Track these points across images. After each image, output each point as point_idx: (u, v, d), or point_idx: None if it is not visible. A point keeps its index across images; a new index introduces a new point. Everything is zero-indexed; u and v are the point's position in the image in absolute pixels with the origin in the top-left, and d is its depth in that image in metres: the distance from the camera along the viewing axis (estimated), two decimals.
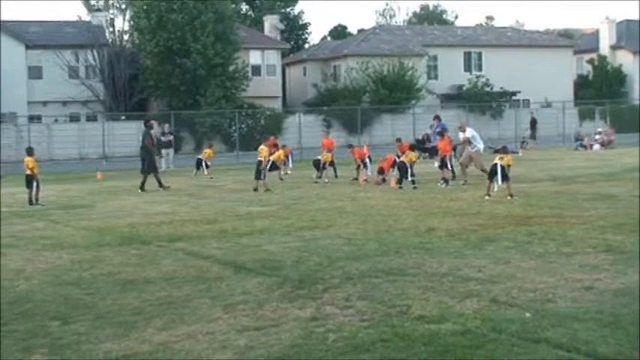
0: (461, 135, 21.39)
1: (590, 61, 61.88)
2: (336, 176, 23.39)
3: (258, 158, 20.81)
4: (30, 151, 19.07)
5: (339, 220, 13.45)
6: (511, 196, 15.88)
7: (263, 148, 21.21)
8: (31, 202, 18.11)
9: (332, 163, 23.49)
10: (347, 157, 24.96)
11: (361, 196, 18.06)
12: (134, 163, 29.66)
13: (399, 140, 22.93)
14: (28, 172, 18.40)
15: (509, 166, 16.52)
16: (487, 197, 16.05)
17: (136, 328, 6.70)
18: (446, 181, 20.05)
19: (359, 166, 23.18)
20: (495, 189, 16.35)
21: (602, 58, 61.24)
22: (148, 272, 9.22)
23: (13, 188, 21.55)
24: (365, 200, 16.97)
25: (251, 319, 6.88)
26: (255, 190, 20.09)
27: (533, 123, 43.00)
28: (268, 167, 21.93)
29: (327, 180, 22.33)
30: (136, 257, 10.36)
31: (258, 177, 20.36)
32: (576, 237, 10.69)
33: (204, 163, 27.47)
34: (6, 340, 6.47)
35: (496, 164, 16.37)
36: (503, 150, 17.55)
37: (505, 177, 16.31)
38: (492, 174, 16.40)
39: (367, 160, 23.27)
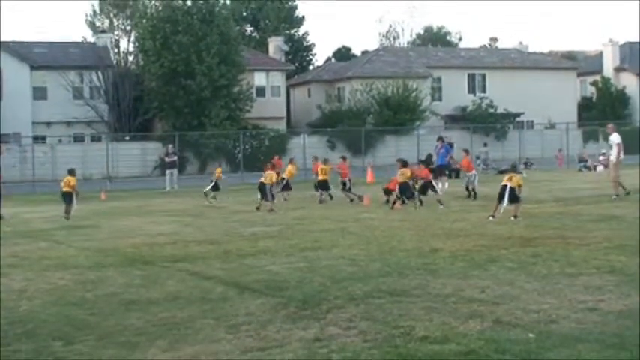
0: (613, 138, 20.89)
1: (594, 83, 62.01)
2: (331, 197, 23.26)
3: (262, 180, 20.92)
4: (72, 172, 21.15)
5: (343, 241, 13.44)
6: (515, 217, 15.86)
7: (271, 174, 21.42)
8: (67, 217, 19.68)
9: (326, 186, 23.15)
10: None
11: (365, 217, 18.06)
12: (138, 183, 29.88)
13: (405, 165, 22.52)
14: (67, 189, 20.28)
15: (519, 186, 16.38)
16: (491, 218, 16.00)
17: (139, 349, 6.69)
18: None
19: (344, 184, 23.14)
20: (501, 211, 16.26)
21: (606, 80, 61.35)
22: (151, 293, 9.21)
23: (17, 208, 21.59)
24: (368, 221, 16.96)
25: (254, 339, 6.87)
26: (257, 209, 20.23)
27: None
28: (282, 186, 22.60)
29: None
30: (139, 278, 10.36)
31: (264, 198, 20.50)
32: (580, 258, 10.67)
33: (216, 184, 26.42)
34: None
35: (505, 186, 16.23)
36: (513, 169, 17.40)
37: (514, 198, 16.15)
38: (500, 196, 16.22)
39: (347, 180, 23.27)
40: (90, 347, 6.79)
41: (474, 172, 22.95)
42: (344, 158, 25.66)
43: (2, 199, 20.59)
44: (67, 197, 20.29)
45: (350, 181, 23.54)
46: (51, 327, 7.61)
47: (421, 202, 19.96)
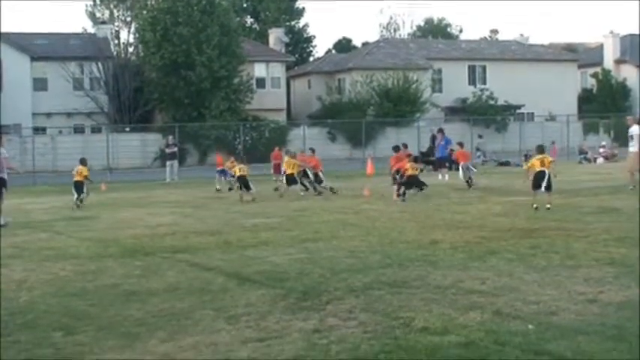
0: (633, 129, 20.99)
1: (595, 75, 61.94)
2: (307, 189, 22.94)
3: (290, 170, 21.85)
4: (83, 161, 22.19)
5: (343, 233, 13.44)
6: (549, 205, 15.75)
7: (292, 162, 22.04)
8: (78, 205, 20.46)
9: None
10: (347, 169, 24.94)
11: (365, 208, 18.06)
12: (138, 174, 29.87)
13: (398, 149, 23.45)
14: (79, 178, 21.17)
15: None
16: (537, 209, 15.86)
17: (139, 340, 6.70)
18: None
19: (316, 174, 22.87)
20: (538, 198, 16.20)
21: (606, 72, 61.28)
22: (151, 283, 9.22)
23: (17, 199, 21.59)
24: (369, 213, 16.96)
25: (254, 330, 6.88)
26: (281, 196, 21.66)
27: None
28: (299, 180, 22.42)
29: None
30: (139, 269, 10.36)
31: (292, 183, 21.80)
32: (580, 250, 10.67)
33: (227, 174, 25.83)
34: (9, 351, 6.47)
35: (543, 172, 16.03)
36: (540, 151, 16.91)
37: (550, 186, 16.08)
38: (537, 184, 16.09)
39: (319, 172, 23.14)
40: (90, 338, 6.80)
41: (468, 162, 24.04)
42: (312, 150, 25.73)
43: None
44: (79, 186, 21.03)
45: (322, 172, 23.24)
46: (51, 318, 7.61)
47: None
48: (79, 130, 48.74)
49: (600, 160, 37.97)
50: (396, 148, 23.80)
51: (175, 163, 34.50)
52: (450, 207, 17.53)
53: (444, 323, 6.85)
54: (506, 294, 7.99)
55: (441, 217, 15.56)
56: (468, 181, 22.83)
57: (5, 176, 16.68)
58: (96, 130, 48.59)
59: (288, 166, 22.30)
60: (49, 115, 48.24)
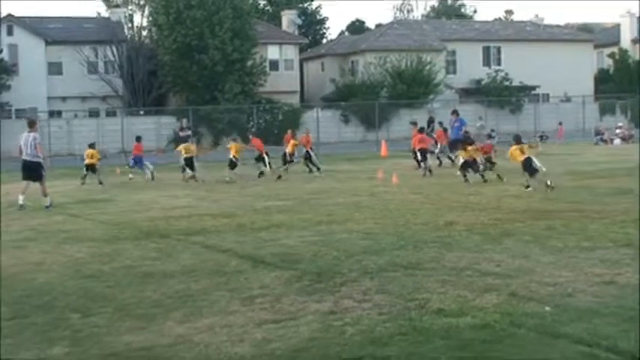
0: None
1: (611, 55, 61.33)
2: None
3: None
4: (92, 145, 24.22)
5: (357, 215, 13.42)
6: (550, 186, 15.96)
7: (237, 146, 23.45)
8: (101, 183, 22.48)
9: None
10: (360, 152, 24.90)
11: (379, 190, 18.03)
12: (153, 157, 29.83)
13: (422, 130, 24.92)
14: (90, 161, 23.14)
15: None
16: (530, 189, 16.17)
17: (155, 321, 6.72)
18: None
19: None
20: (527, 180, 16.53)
21: (623, 52, 60.66)
22: (166, 265, 9.26)
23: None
24: (383, 195, 16.93)
25: (269, 312, 6.89)
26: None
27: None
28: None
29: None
30: (154, 251, 10.40)
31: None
32: (596, 231, 10.60)
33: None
34: (26, 332, 6.52)
35: (529, 158, 16.50)
36: (517, 141, 17.44)
37: (533, 170, 16.41)
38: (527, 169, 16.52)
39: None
40: (106, 319, 6.83)
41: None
42: (254, 134, 27.52)
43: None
44: (91, 168, 23.01)
45: (267, 154, 24.03)
46: (68, 299, 7.66)
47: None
48: (93, 113, 48.88)
49: (617, 141, 37.69)
50: (421, 130, 25.00)
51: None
52: (465, 189, 17.46)
53: (459, 305, 6.82)
54: (521, 276, 7.95)
55: (456, 198, 15.51)
56: (448, 159, 24.93)
57: (41, 160, 16.97)
58: (111, 113, 48.70)
59: (234, 150, 23.33)
60: (64, 98, 48.44)
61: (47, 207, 16.36)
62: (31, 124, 17.32)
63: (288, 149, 24.47)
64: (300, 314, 6.75)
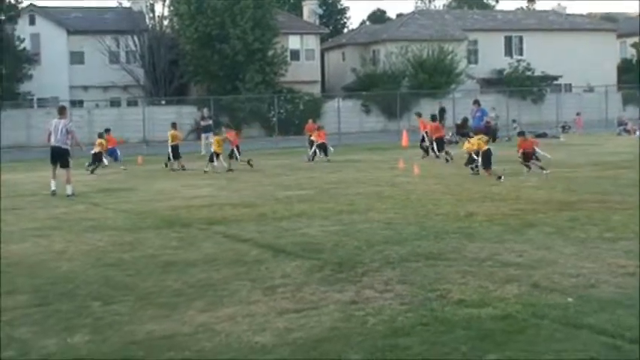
0: None
1: (635, 45, 60.63)
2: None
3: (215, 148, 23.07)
4: (101, 135, 25.54)
5: (378, 205, 13.40)
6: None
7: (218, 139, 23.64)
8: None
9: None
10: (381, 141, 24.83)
11: (400, 180, 17.98)
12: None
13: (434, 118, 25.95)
14: (98, 149, 24.14)
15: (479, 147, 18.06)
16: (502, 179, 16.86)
17: (177, 310, 6.76)
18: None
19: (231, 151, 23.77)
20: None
21: None
22: (188, 255, 9.30)
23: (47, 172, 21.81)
24: (404, 185, 16.89)
25: (290, 301, 6.90)
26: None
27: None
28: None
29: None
30: (176, 240, 10.45)
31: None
32: (619, 222, 10.51)
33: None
34: (50, 320, 6.58)
35: (488, 149, 17.96)
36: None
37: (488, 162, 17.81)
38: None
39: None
40: (128, 308, 6.88)
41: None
42: (229, 126, 27.88)
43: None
44: (98, 156, 23.83)
45: (238, 148, 23.92)
46: (90, 288, 7.72)
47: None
48: (115, 103, 49.15)
49: None
50: (433, 118, 26.02)
51: (210, 135, 34.50)
52: (486, 179, 17.37)
53: (480, 296, 6.80)
54: (543, 267, 7.90)
55: (477, 189, 15.43)
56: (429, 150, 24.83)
57: (68, 147, 17.26)
58: (132, 103, 48.92)
59: (217, 144, 23.39)
60: (85, 88, 48.71)
61: (69, 196, 16.54)
62: (62, 111, 17.82)
63: (315, 137, 25.56)
64: (321, 304, 6.76)
